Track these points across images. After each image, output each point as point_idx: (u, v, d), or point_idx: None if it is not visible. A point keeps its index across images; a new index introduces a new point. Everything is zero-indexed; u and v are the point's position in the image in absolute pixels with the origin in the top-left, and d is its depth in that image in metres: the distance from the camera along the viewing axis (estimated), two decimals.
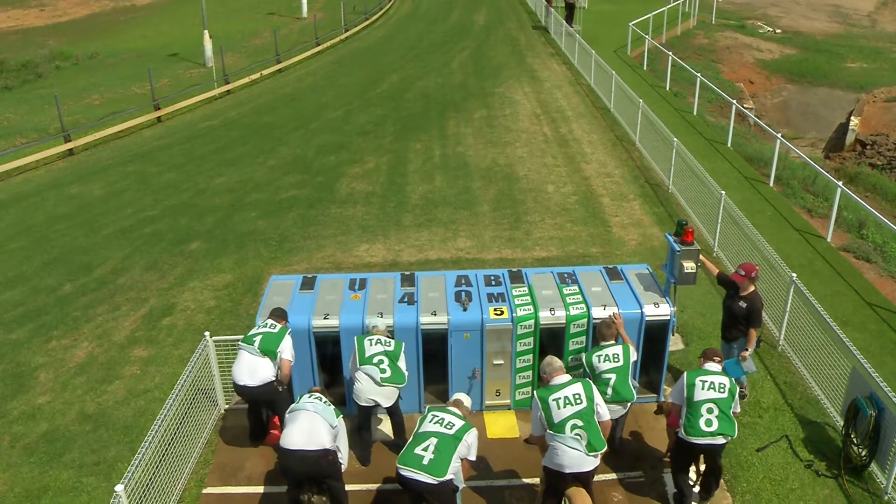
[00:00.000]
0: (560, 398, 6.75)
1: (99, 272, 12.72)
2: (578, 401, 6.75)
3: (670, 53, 24.56)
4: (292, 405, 7.12)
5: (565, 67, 27.34)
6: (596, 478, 7.73)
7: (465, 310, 8.46)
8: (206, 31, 29.25)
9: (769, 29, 40.08)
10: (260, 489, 7.84)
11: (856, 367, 8.05)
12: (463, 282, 9.00)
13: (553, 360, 7.13)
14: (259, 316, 8.44)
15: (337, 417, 7.01)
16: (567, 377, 6.96)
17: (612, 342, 7.87)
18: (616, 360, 7.66)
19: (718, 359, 7.51)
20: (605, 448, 6.79)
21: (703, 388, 7.16)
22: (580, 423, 6.66)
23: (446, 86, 24.89)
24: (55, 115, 21.27)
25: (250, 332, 8.06)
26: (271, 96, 25.09)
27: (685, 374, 7.38)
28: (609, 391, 7.52)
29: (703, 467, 7.64)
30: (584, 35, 28.29)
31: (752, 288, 8.53)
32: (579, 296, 8.69)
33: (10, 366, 10.19)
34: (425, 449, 6.56)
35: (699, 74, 21.73)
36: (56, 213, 15.70)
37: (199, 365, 8.27)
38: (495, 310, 8.46)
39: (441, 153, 18.05)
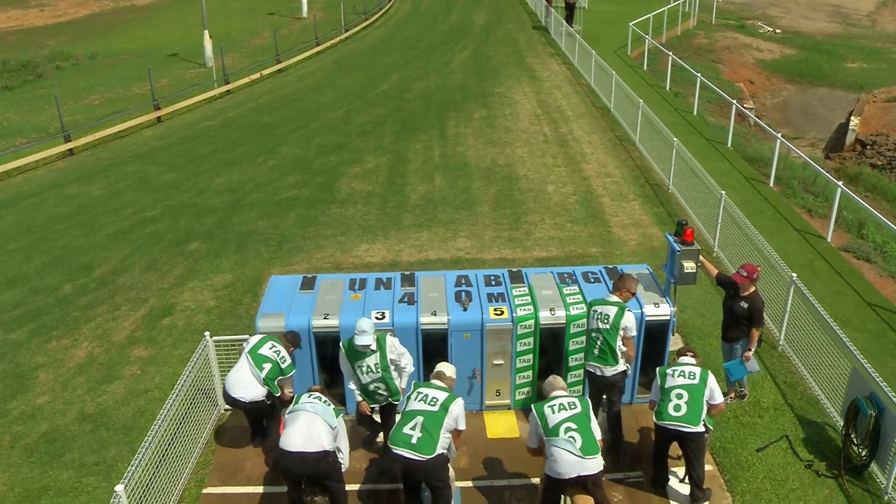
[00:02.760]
0: (555, 405, 6.81)
1: (99, 272, 12.72)
2: (573, 407, 6.77)
3: (670, 53, 24.57)
4: (291, 406, 7.11)
5: (565, 67, 27.34)
6: None
7: (465, 310, 8.47)
8: (206, 32, 29.24)
9: (769, 29, 40.09)
10: (260, 489, 7.84)
11: (856, 367, 8.04)
12: (463, 282, 9.01)
13: (556, 381, 7.16)
14: (259, 316, 8.43)
15: (337, 417, 7.01)
16: (565, 393, 7.01)
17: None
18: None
19: (691, 353, 7.75)
20: (599, 453, 6.66)
21: (673, 376, 7.46)
22: (574, 426, 6.64)
23: (446, 86, 24.89)
24: (55, 116, 21.26)
25: (261, 350, 7.90)
26: (271, 96, 25.09)
27: (658, 369, 7.70)
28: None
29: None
30: (584, 35, 28.30)
31: (752, 288, 8.53)
32: (579, 296, 8.69)
33: (10, 366, 10.19)
34: (413, 428, 6.72)
35: (699, 74, 21.73)
36: (56, 214, 15.69)
37: (199, 365, 8.27)
38: (495, 310, 8.46)
39: (441, 153, 18.05)
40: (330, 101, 23.55)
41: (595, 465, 6.61)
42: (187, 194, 16.11)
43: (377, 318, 8.36)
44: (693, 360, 7.63)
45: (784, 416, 8.80)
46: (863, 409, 7.67)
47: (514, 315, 8.40)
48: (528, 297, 8.64)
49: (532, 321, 8.39)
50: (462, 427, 6.95)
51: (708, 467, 8.05)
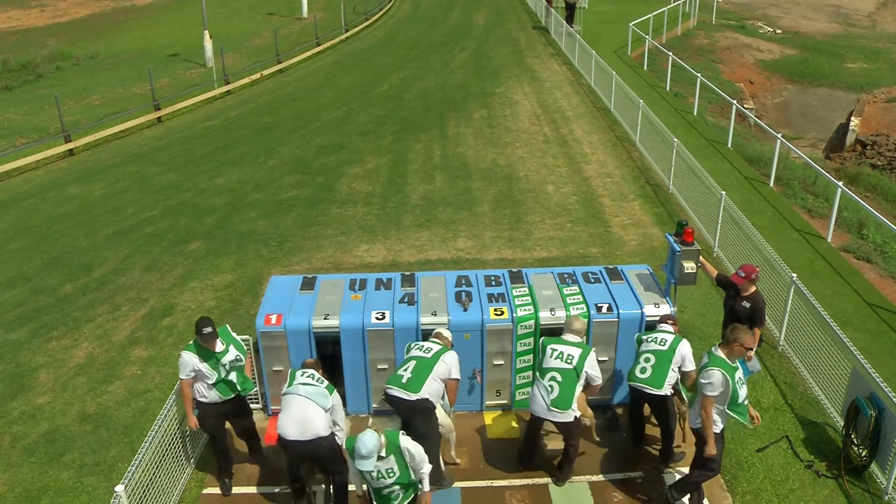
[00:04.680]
0: (557, 350, 7.45)
1: (99, 272, 12.72)
2: (569, 361, 7.36)
3: (670, 54, 24.56)
4: (286, 386, 7.16)
5: (565, 68, 27.34)
6: (596, 477, 7.88)
7: (465, 310, 8.46)
8: (206, 32, 29.26)
9: (769, 29, 40.08)
10: (260, 489, 7.83)
11: (856, 367, 8.04)
12: (463, 282, 9.01)
13: (575, 321, 7.68)
14: (259, 317, 8.43)
15: (330, 395, 7.08)
16: (576, 339, 7.56)
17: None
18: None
19: (671, 321, 8.06)
20: (570, 408, 7.29)
21: (647, 342, 7.86)
22: (559, 377, 7.32)
23: (446, 86, 24.90)
24: (55, 116, 21.28)
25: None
26: (271, 96, 25.10)
27: (636, 336, 8.14)
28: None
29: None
30: (584, 35, 28.30)
31: (753, 288, 8.51)
32: (579, 296, 8.69)
33: (11, 366, 10.19)
34: (405, 370, 7.36)
35: (699, 75, 21.73)
36: (56, 214, 15.70)
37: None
38: (495, 310, 8.46)
39: (441, 153, 18.05)
40: (330, 102, 23.56)
41: (561, 417, 7.33)
42: (187, 194, 16.12)
43: (377, 318, 8.37)
44: (671, 329, 7.95)
45: (784, 416, 8.80)
46: (863, 409, 7.67)
47: (514, 315, 8.40)
48: (529, 298, 8.64)
49: (532, 321, 8.39)
50: (456, 376, 7.49)
51: None
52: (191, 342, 7.47)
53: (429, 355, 7.42)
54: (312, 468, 7.55)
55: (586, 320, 8.08)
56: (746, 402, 7.08)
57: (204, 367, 7.36)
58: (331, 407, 7.04)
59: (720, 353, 7.02)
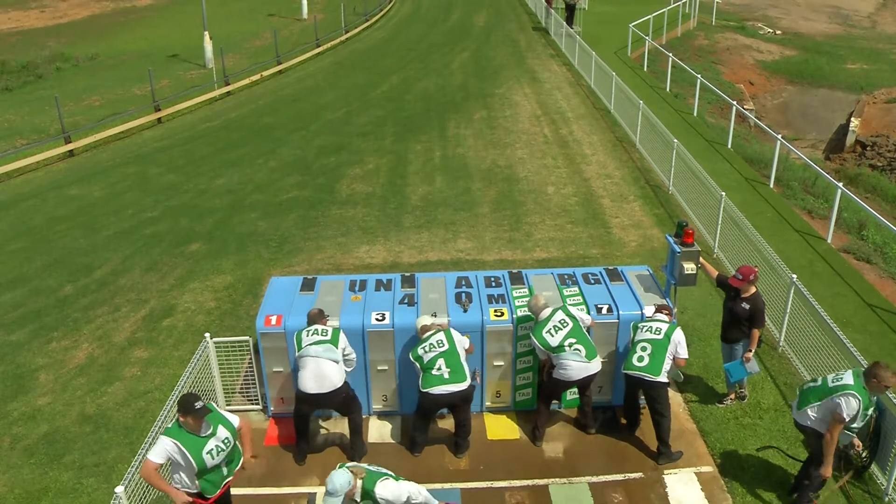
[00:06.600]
0: (550, 328, 7.97)
1: (99, 273, 12.72)
2: (565, 324, 7.99)
3: (670, 55, 24.57)
4: (298, 349, 7.79)
5: (565, 69, 27.35)
6: (596, 478, 7.91)
7: (465, 311, 8.47)
8: (206, 33, 29.28)
9: (769, 30, 40.10)
10: (260, 490, 7.83)
11: (856, 368, 8.03)
12: (463, 283, 9.01)
13: (539, 300, 8.18)
14: (259, 318, 8.43)
15: (337, 347, 7.71)
16: (550, 309, 8.09)
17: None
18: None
19: (666, 311, 8.28)
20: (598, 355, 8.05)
21: (642, 330, 8.09)
22: (574, 340, 7.92)
23: (446, 87, 24.90)
24: (55, 117, 21.28)
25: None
26: (272, 97, 25.10)
27: (631, 324, 8.36)
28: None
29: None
30: (584, 36, 28.30)
31: (753, 289, 8.52)
32: (579, 297, 8.69)
33: (11, 367, 10.19)
34: (439, 369, 7.76)
35: (699, 76, 21.73)
36: (56, 215, 15.70)
37: (199, 366, 8.27)
38: (496, 311, 8.46)
39: (441, 154, 18.05)
40: (330, 102, 23.56)
41: (596, 366, 8.03)
42: (188, 195, 16.12)
43: (377, 319, 8.37)
44: (666, 318, 8.16)
45: (785, 417, 8.79)
46: None
47: (514, 316, 8.40)
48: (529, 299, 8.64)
49: (532, 322, 8.38)
50: (468, 345, 8.06)
51: (708, 468, 8.07)
52: (171, 425, 6.35)
53: (447, 346, 7.86)
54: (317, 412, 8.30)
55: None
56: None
57: (183, 459, 6.26)
58: (340, 359, 7.76)
59: (864, 382, 6.98)
